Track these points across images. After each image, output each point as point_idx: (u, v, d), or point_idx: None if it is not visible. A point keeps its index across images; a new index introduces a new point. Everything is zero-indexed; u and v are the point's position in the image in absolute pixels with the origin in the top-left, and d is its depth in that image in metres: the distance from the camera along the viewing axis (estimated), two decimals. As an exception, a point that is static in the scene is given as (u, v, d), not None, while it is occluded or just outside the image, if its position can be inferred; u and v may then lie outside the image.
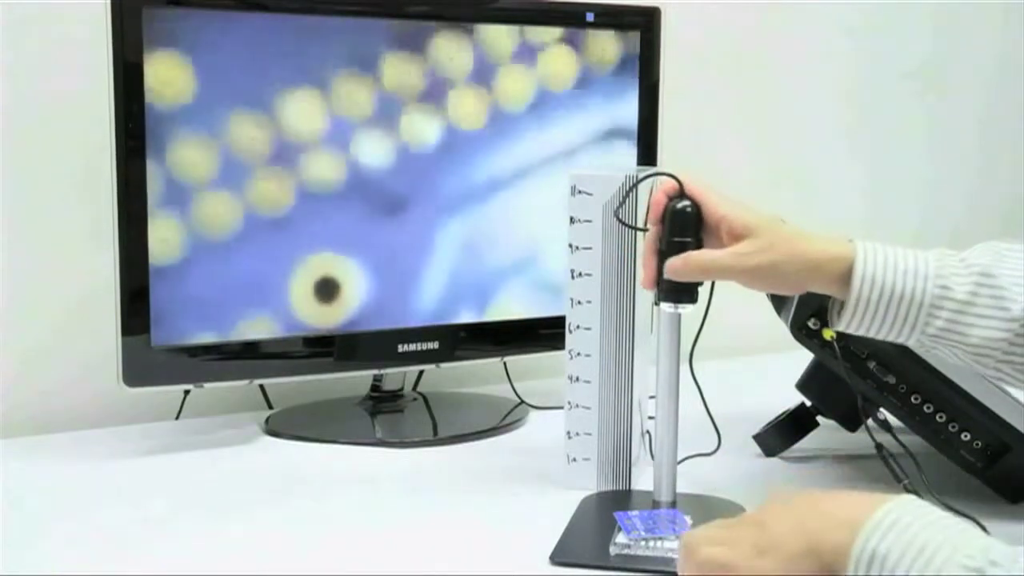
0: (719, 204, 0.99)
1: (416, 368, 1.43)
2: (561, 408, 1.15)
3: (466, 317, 1.38)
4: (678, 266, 0.98)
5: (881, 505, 0.74)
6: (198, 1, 1.20)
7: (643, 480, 1.14)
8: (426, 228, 1.34)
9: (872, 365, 1.14)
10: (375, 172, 1.30)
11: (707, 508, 1.05)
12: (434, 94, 1.32)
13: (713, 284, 1.05)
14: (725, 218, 0.98)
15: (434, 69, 1.32)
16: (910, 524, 0.72)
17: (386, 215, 1.32)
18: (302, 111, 1.26)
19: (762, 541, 0.77)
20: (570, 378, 1.14)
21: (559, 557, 0.97)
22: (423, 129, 1.32)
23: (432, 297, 1.35)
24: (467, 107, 1.34)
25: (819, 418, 1.25)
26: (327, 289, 1.30)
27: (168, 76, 1.19)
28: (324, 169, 1.28)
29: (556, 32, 1.38)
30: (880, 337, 0.97)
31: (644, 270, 1.01)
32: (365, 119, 1.29)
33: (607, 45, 1.40)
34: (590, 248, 1.11)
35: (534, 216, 1.39)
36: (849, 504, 0.76)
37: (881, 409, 1.16)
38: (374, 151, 1.30)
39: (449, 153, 1.34)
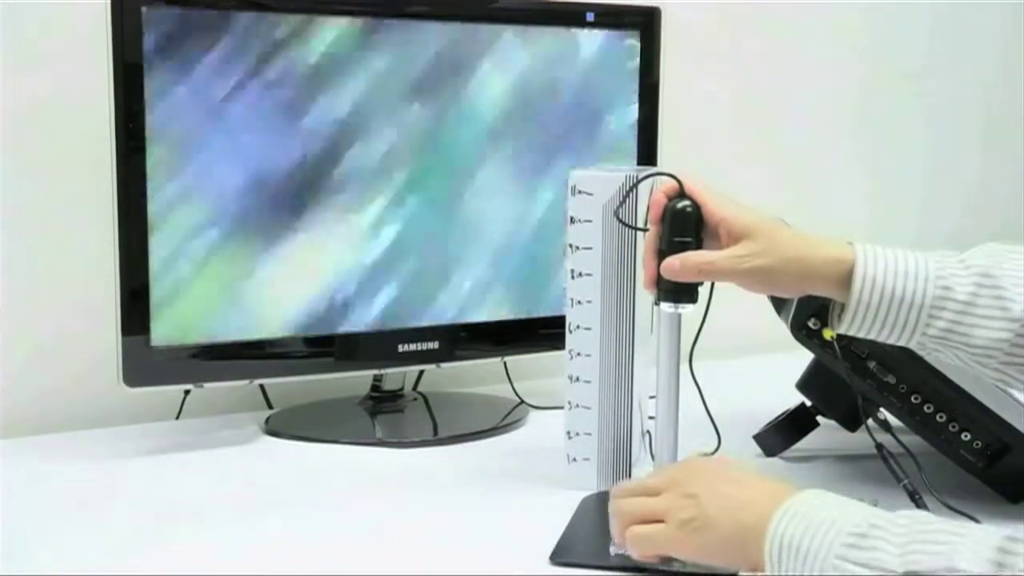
0: (719, 205, 0.99)
1: (416, 368, 1.43)
2: (561, 408, 1.15)
3: (466, 317, 1.38)
4: (675, 266, 0.98)
5: (790, 496, 0.81)
6: (198, 1, 1.20)
7: (643, 480, 1.14)
8: (429, 233, 1.35)
9: (872, 365, 1.14)
10: (368, 176, 1.31)
11: (707, 508, 1.05)
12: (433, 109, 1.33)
13: (713, 284, 1.05)
14: (724, 219, 0.98)
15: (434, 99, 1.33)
16: (813, 508, 0.80)
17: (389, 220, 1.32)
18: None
19: (697, 520, 0.84)
20: (570, 378, 1.14)
21: (559, 557, 0.97)
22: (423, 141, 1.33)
23: (437, 299, 1.36)
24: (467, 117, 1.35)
25: (819, 418, 1.25)
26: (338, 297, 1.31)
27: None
28: (327, 173, 1.28)
29: (549, 54, 1.38)
30: (881, 339, 0.96)
31: (645, 270, 1.01)
32: (365, 128, 1.30)
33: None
34: (590, 248, 1.11)
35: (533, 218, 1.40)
36: (763, 492, 0.84)
37: (881, 409, 1.16)
38: (372, 156, 1.31)
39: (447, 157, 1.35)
